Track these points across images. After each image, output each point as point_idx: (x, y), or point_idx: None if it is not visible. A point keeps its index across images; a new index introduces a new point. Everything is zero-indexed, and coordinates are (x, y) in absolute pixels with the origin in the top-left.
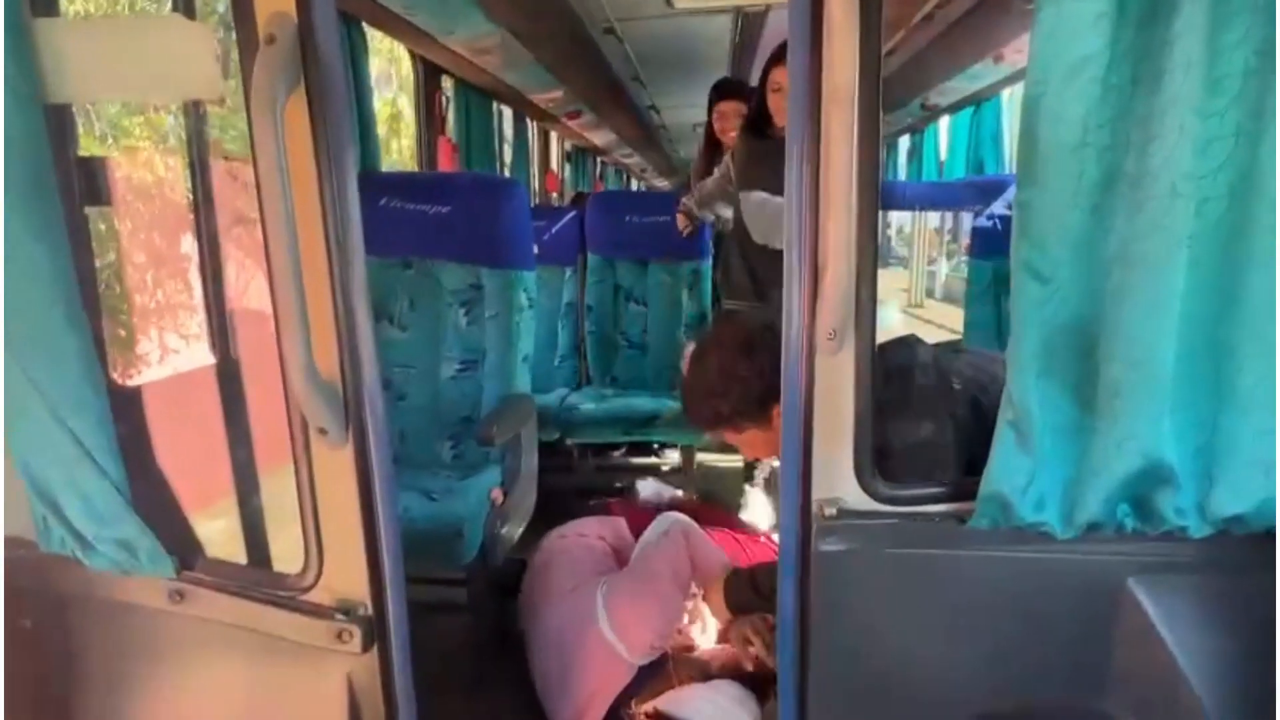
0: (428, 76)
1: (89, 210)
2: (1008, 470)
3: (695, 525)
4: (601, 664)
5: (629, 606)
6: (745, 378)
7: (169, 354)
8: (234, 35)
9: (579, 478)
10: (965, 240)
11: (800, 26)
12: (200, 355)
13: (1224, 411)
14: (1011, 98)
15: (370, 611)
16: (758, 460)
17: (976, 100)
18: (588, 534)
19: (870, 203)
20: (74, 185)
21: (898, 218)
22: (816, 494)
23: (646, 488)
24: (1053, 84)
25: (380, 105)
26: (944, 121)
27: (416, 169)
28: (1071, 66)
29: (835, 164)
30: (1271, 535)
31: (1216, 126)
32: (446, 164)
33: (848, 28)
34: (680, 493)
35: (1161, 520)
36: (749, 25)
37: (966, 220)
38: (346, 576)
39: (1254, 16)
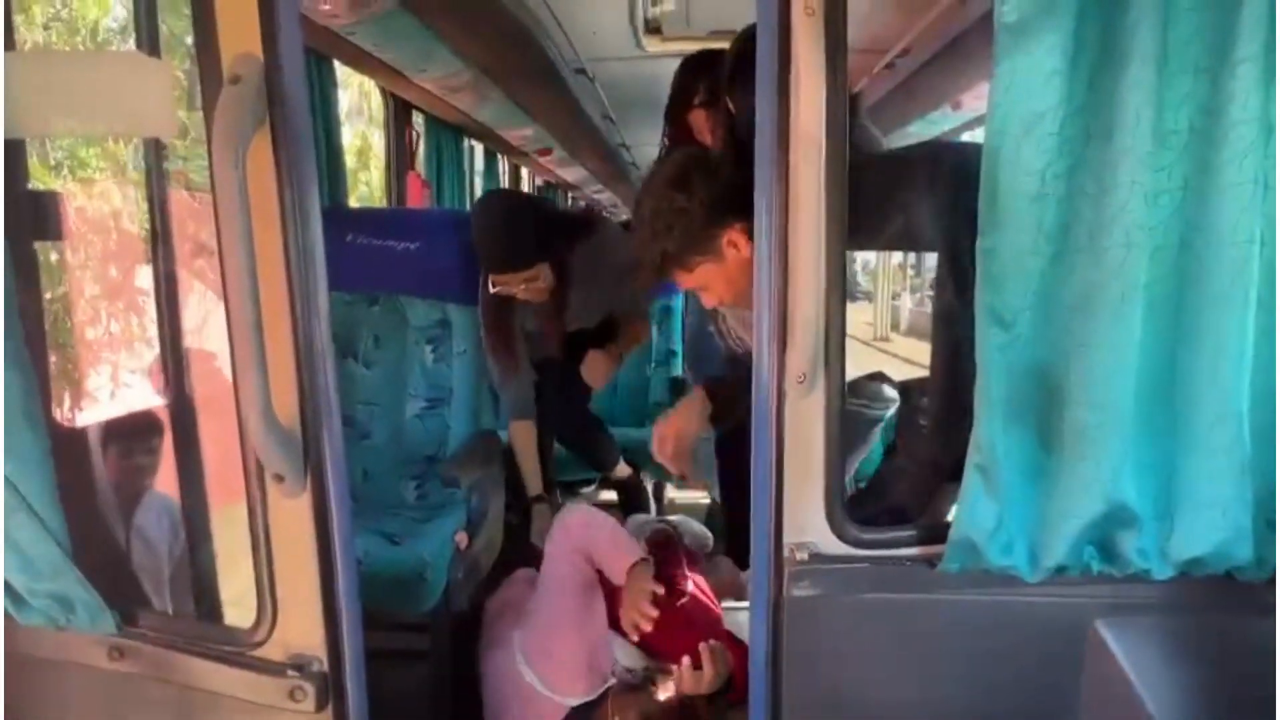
0: (398, 112)
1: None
2: (976, 514)
3: (588, 512)
4: (530, 708)
5: (539, 640)
6: (683, 208)
7: (120, 388)
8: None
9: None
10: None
11: (767, 73)
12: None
13: (1182, 454)
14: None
15: (325, 667)
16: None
17: None
18: (531, 579)
19: (838, 247)
20: (22, 219)
21: (862, 253)
22: (788, 538)
23: (633, 524)
24: (1011, 136)
25: (350, 138)
26: None
27: (386, 204)
28: (1028, 120)
29: (803, 208)
30: (1230, 577)
31: (1165, 179)
32: (416, 199)
33: (814, 74)
34: (663, 524)
35: (1126, 562)
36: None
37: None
38: (301, 630)
39: (1196, 77)
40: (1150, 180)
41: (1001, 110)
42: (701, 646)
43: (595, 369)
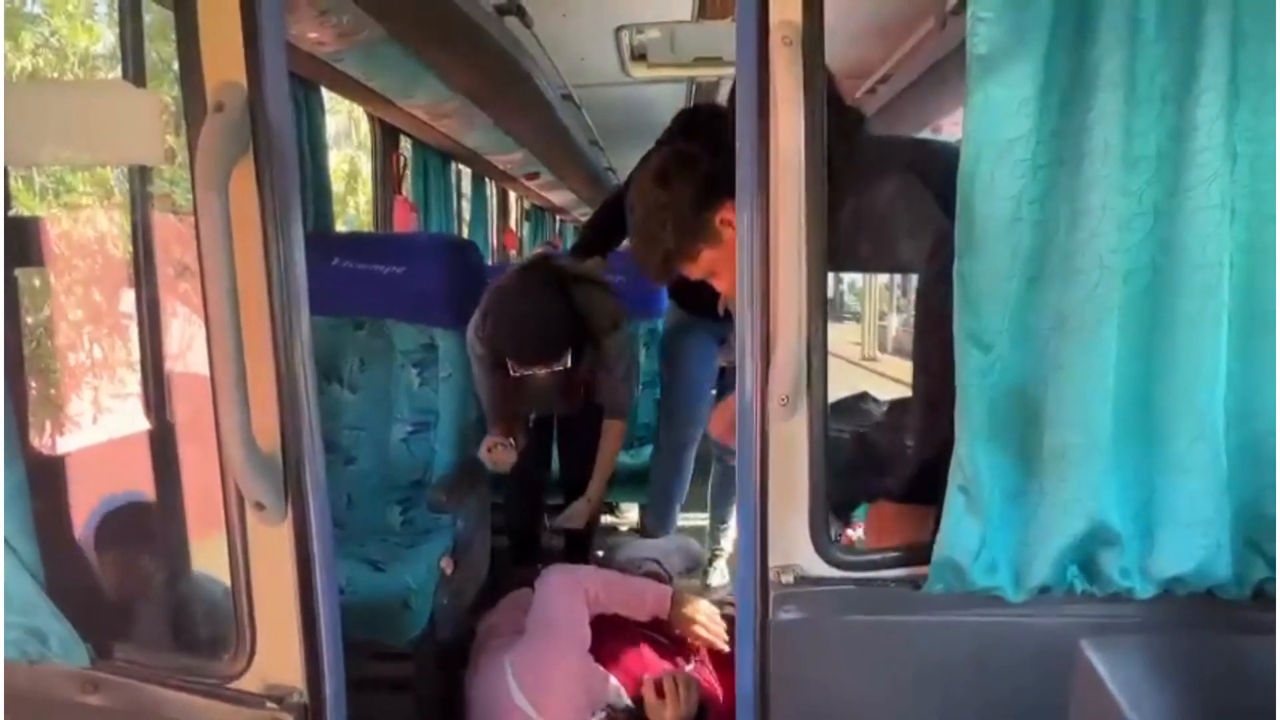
0: (385, 137)
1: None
2: (959, 535)
3: (590, 569)
4: None
5: (536, 667)
6: (668, 203)
7: (101, 414)
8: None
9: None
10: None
11: (747, 101)
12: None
13: (1159, 474)
14: None
15: (305, 698)
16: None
17: None
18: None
19: (819, 269)
20: (5, 246)
21: (849, 274)
22: (773, 561)
23: (623, 556)
24: (986, 162)
25: (337, 162)
26: None
27: (373, 228)
28: (1002, 147)
29: (784, 231)
30: (1211, 595)
31: (1136, 204)
32: (403, 224)
33: (793, 102)
34: (661, 569)
35: (1109, 581)
36: (702, 94)
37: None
38: (280, 661)
39: (1163, 105)
40: (1121, 205)
41: (975, 137)
42: (664, 676)
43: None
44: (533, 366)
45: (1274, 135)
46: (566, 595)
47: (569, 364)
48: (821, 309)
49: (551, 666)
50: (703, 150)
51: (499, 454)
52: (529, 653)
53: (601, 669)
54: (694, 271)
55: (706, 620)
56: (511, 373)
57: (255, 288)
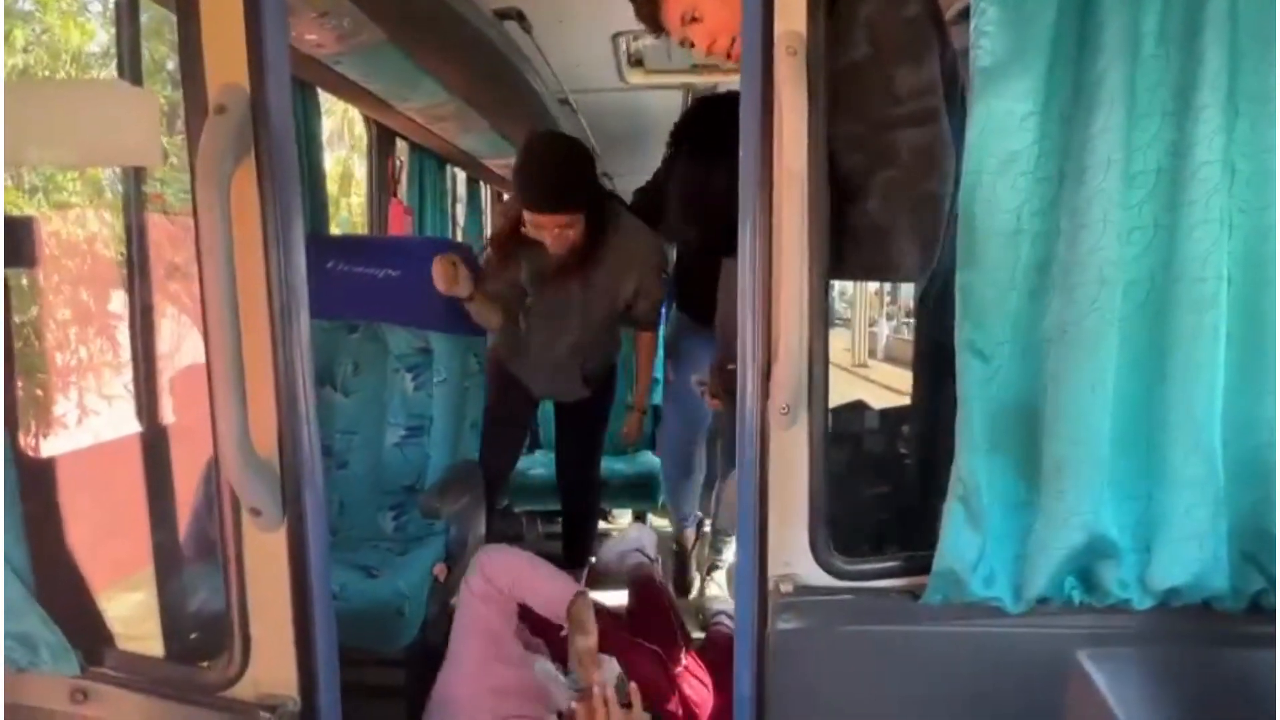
0: (381, 140)
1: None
2: (958, 546)
3: (508, 550)
4: None
5: (441, 689)
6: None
7: (88, 415)
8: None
9: (528, 546)
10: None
11: (751, 110)
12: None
13: (1157, 487)
14: None
15: (299, 706)
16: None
17: None
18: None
19: (821, 281)
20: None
21: (840, 281)
22: (772, 570)
23: (609, 549)
24: (987, 175)
25: (331, 164)
26: None
27: (368, 231)
28: (1004, 160)
29: (786, 240)
30: (1208, 607)
31: (1136, 217)
32: (398, 226)
33: (797, 112)
34: (646, 557)
35: (1106, 593)
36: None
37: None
38: (274, 669)
39: (1163, 120)
40: (1121, 218)
41: (977, 150)
42: (633, 688)
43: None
44: (543, 209)
45: (1273, 150)
46: (473, 606)
47: (576, 235)
48: (823, 319)
49: (453, 687)
50: None
51: (443, 267)
52: (443, 678)
53: (520, 678)
54: (674, 10)
55: (583, 655)
56: (523, 228)
57: (255, 291)
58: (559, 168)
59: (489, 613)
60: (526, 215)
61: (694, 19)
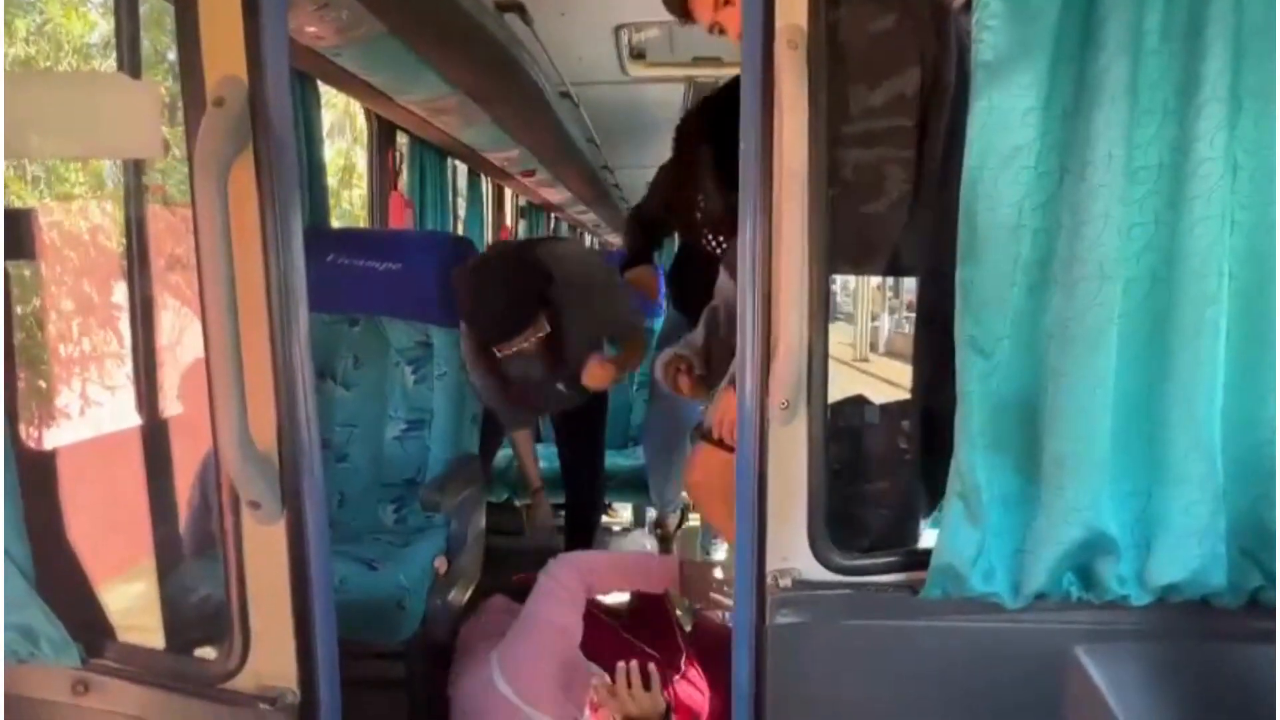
0: (382, 133)
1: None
2: (957, 541)
3: (586, 557)
4: None
5: (517, 656)
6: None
7: (90, 406)
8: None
9: (528, 539)
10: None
11: (751, 104)
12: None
13: (1157, 483)
14: None
15: (299, 699)
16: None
17: None
18: (502, 609)
19: (821, 273)
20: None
21: (842, 275)
22: (771, 565)
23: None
24: (988, 170)
25: (333, 156)
26: None
27: (368, 224)
28: (1005, 155)
29: (786, 238)
30: (1206, 603)
31: (1137, 213)
32: (398, 220)
33: (797, 107)
34: (651, 552)
35: (1105, 589)
36: (699, 94)
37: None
38: (274, 661)
39: (1165, 117)
40: (1123, 214)
41: (979, 144)
42: (651, 669)
43: (595, 373)
44: (501, 340)
45: (1274, 147)
46: (559, 604)
47: (545, 330)
48: (824, 313)
49: (532, 665)
50: None
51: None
52: (514, 647)
53: (587, 670)
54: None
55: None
56: (498, 353)
57: (253, 284)
58: (504, 302)
59: (566, 600)
60: (499, 350)
61: (727, 1)
